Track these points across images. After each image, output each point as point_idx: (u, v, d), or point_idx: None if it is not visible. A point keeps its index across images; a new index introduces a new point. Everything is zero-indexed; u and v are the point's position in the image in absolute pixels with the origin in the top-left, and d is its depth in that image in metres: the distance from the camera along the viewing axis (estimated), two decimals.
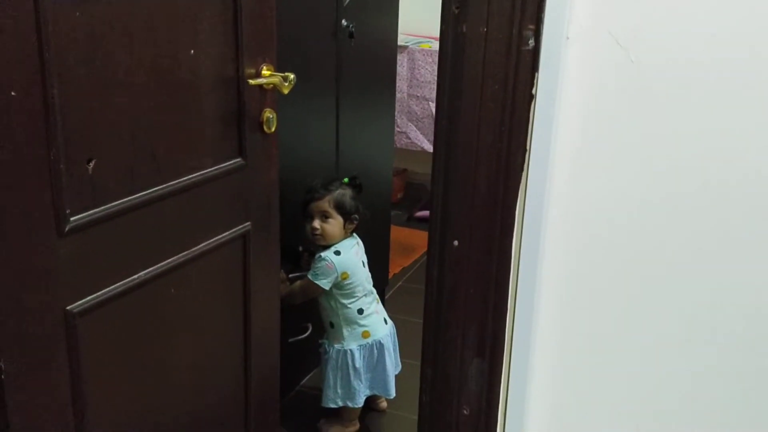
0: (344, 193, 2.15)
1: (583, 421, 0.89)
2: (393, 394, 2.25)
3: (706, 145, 0.76)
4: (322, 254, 2.13)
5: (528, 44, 0.74)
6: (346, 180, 2.23)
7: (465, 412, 0.85)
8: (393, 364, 2.25)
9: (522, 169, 0.79)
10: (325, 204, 2.13)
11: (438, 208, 0.81)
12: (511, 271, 0.81)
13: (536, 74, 0.75)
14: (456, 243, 0.81)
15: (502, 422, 0.86)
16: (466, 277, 0.82)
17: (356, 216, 2.16)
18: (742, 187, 0.77)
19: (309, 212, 2.15)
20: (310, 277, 2.13)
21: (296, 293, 2.19)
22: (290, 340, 2.25)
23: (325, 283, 2.11)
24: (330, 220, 2.12)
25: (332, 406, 2.19)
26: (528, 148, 0.78)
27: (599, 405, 0.88)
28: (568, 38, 0.74)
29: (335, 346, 2.18)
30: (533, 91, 0.77)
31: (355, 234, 2.21)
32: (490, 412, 0.85)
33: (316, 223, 2.13)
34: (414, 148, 3.56)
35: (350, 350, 2.16)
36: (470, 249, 0.81)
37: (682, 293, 0.82)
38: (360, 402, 2.20)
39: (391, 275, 3.05)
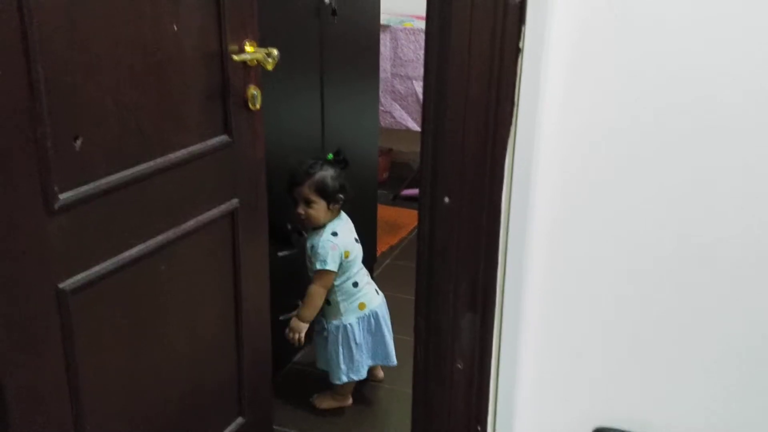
0: (325, 176, 2.13)
1: (576, 371, 0.91)
2: (394, 362, 2.26)
3: (696, 92, 0.78)
4: (321, 240, 2.12)
5: None
6: (330, 156, 2.23)
7: (459, 365, 0.87)
8: (390, 333, 2.27)
9: (510, 123, 0.80)
10: (306, 189, 2.12)
11: (428, 164, 0.82)
12: (501, 225, 0.83)
13: (523, 28, 0.77)
14: (447, 199, 0.82)
15: (495, 374, 0.88)
16: (457, 232, 0.84)
17: (341, 196, 2.15)
18: (738, 128, 0.79)
19: (293, 197, 2.16)
20: (318, 267, 2.10)
21: (308, 307, 2.14)
22: (280, 317, 2.27)
23: (333, 266, 2.10)
24: (313, 204, 2.12)
25: (338, 382, 2.21)
26: (516, 101, 0.79)
27: (591, 355, 0.90)
28: None
29: (333, 322, 2.19)
30: (520, 45, 0.78)
31: (342, 212, 2.21)
32: (483, 365, 0.86)
33: (301, 209, 2.13)
34: (399, 128, 3.57)
35: (350, 324, 2.17)
36: (461, 204, 0.82)
37: (685, 240, 0.84)
38: (363, 374, 2.22)
39: (378, 253, 3.07)
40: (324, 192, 2.13)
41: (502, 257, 0.84)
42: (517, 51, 0.77)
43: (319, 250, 2.12)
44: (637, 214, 0.83)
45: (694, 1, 0.77)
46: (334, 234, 2.14)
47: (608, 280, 0.88)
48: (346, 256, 2.14)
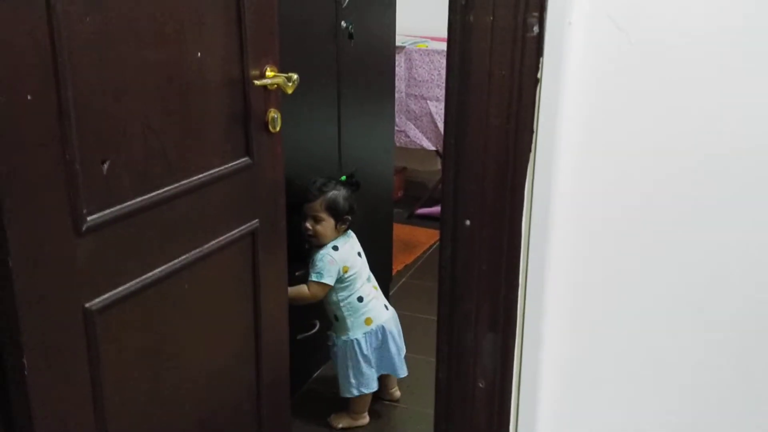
0: (337, 195, 2.18)
1: (596, 391, 0.93)
2: (402, 373, 2.28)
3: (708, 121, 0.80)
4: (320, 252, 2.17)
5: (532, 30, 0.79)
6: (343, 177, 2.28)
7: (480, 385, 0.89)
8: (397, 347, 2.29)
9: (529, 150, 0.83)
10: (317, 206, 2.17)
11: (450, 189, 0.85)
12: (521, 249, 0.85)
13: (541, 59, 0.80)
14: (468, 222, 0.85)
15: (516, 394, 0.90)
16: (478, 255, 0.86)
17: (348, 216, 2.20)
18: (744, 159, 0.81)
19: (303, 212, 2.20)
20: (314, 279, 2.15)
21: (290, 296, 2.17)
22: (299, 337, 2.29)
23: (329, 280, 2.15)
24: (322, 222, 2.17)
25: (348, 395, 2.24)
26: (535, 129, 0.82)
27: (612, 375, 0.92)
28: (570, 23, 0.79)
29: (342, 337, 2.23)
30: (538, 76, 0.81)
31: (348, 231, 2.25)
32: (505, 385, 0.88)
33: (309, 224, 2.18)
34: (413, 147, 3.61)
35: (356, 339, 2.21)
36: (482, 228, 0.85)
37: (696, 263, 0.86)
38: (374, 387, 2.25)
39: (394, 272, 3.08)
40: (335, 211, 2.18)
41: (522, 278, 0.87)
42: (536, 81, 0.80)
43: (317, 263, 2.17)
44: (652, 234, 0.86)
45: (708, 22, 0.79)
46: (335, 248, 2.18)
47: (625, 300, 0.90)
48: (345, 271, 2.18)
